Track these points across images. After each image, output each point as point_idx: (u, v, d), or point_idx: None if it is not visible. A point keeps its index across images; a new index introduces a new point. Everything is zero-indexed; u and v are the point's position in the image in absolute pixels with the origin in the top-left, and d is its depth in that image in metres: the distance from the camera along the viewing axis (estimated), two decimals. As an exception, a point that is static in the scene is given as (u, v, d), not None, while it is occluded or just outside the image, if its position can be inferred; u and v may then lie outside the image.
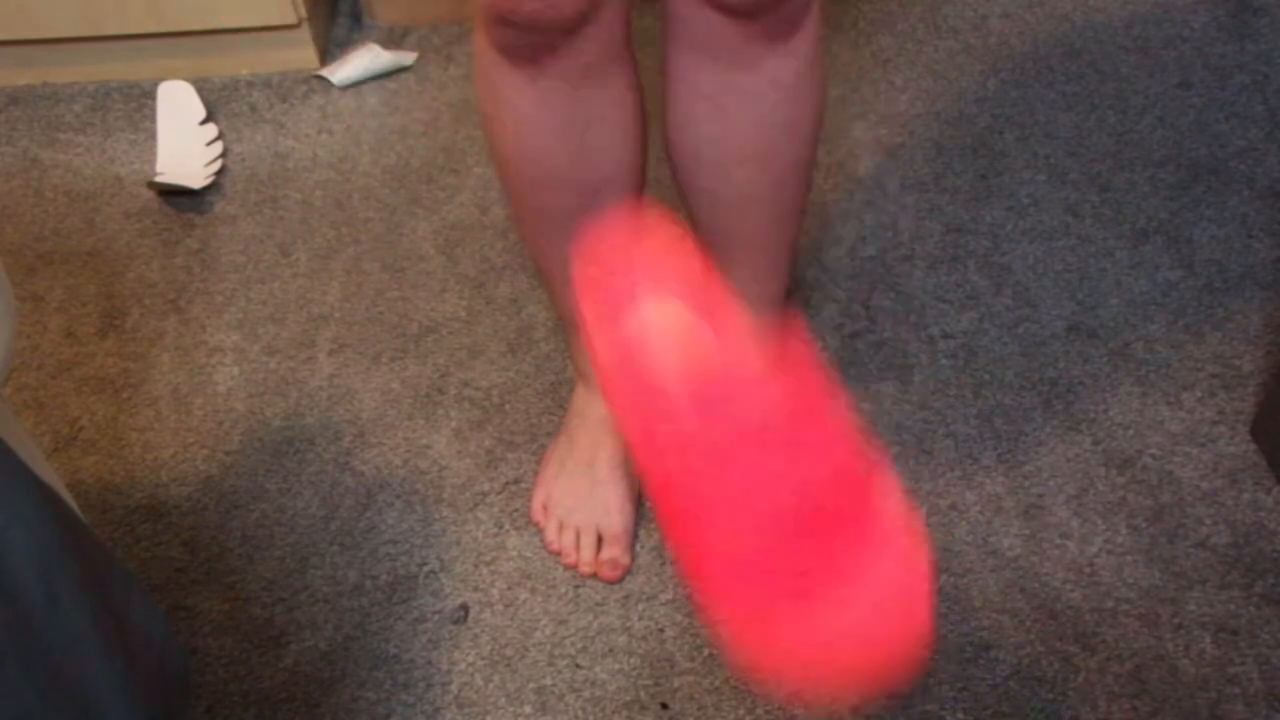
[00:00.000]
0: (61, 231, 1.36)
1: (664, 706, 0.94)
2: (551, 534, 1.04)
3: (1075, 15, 1.52)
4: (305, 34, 1.51)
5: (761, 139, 0.85)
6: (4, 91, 1.54)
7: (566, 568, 1.03)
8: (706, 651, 0.98)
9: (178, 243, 1.33)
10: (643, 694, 0.95)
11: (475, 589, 1.02)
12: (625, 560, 1.02)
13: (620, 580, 1.02)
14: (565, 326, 1.02)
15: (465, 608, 1.01)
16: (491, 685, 0.97)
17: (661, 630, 0.99)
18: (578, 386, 1.06)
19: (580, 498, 1.03)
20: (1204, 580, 0.99)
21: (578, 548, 1.03)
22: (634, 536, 1.04)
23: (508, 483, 1.09)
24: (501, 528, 1.06)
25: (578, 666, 0.97)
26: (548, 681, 0.96)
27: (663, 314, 0.66)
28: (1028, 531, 1.03)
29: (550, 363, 1.18)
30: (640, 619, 1.00)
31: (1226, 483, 1.05)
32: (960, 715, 0.93)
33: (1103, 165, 1.33)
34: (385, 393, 1.17)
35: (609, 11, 0.78)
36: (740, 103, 0.83)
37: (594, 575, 1.02)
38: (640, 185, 0.92)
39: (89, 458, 1.14)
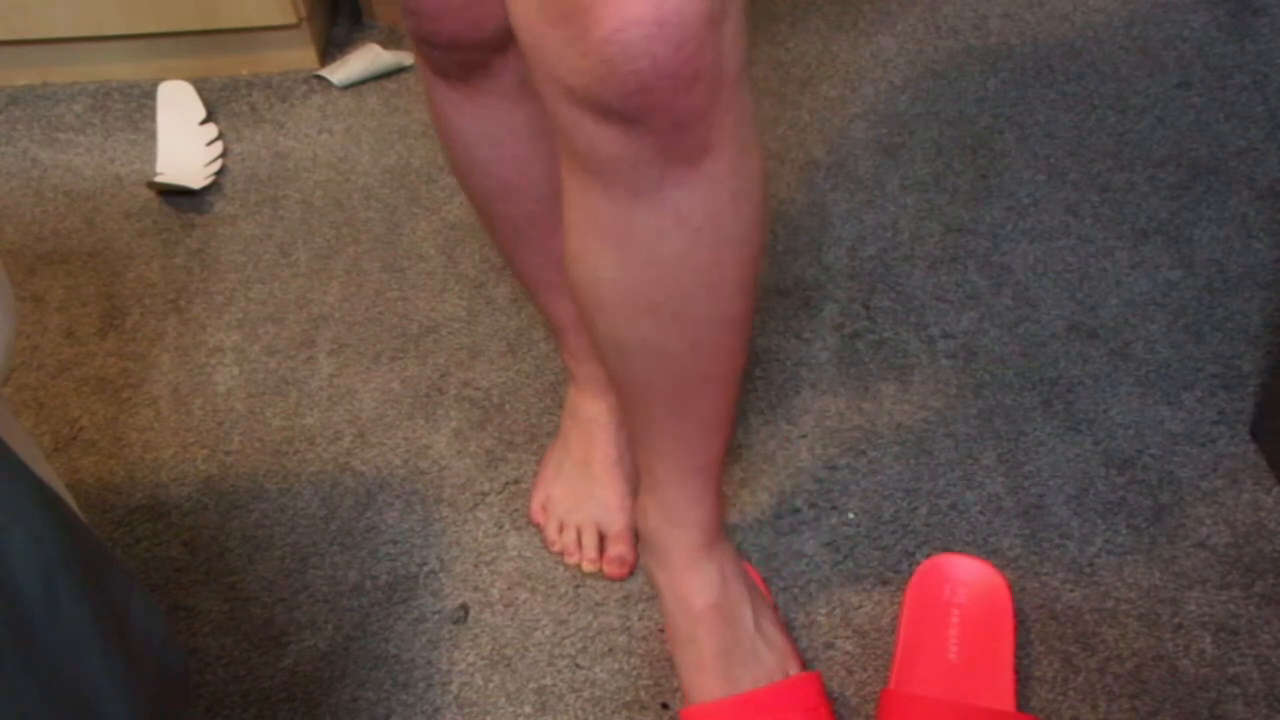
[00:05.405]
0: (61, 231, 1.36)
1: (664, 706, 0.94)
2: (552, 533, 1.04)
3: (1075, 15, 1.52)
4: (305, 34, 1.51)
5: (670, 287, 0.68)
6: (4, 91, 1.54)
7: (568, 567, 1.03)
8: (706, 651, 0.97)
9: (178, 243, 1.33)
10: (643, 694, 0.95)
11: (475, 589, 1.02)
12: (631, 556, 1.02)
13: (627, 577, 1.02)
14: (552, 329, 1.02)
15: (465, 608, 1.01)
16: (491, 685, 0.97)
17: (662, 630, 0.99)
18: (569, 387, 1.06)
19: (579, 497, 1.03)
20: (1204, 580, 0.99)
21: (579, 546, 1.03)
22: (635, 534, 1.04)
23: (508, 483, 1.09)
24: (501, 528, 1.06)
25: (578, 666, 0.97)
26: (548, 681, 0.96)
27: None
28: (1028, 531, 1.03)
29: (550, 363, 1.18)
30: (640, 619, 1.00)
31: (1226, 483, 1.05)
32: (960, 715, 0.93)
33: (1103, 165, 1.33)
34: (385, 393, 1.17)
35: None
36: (642, 241, 0.66)
37: (598, 572, 1.02)
38: None
39: (89, 458, 1.14)
